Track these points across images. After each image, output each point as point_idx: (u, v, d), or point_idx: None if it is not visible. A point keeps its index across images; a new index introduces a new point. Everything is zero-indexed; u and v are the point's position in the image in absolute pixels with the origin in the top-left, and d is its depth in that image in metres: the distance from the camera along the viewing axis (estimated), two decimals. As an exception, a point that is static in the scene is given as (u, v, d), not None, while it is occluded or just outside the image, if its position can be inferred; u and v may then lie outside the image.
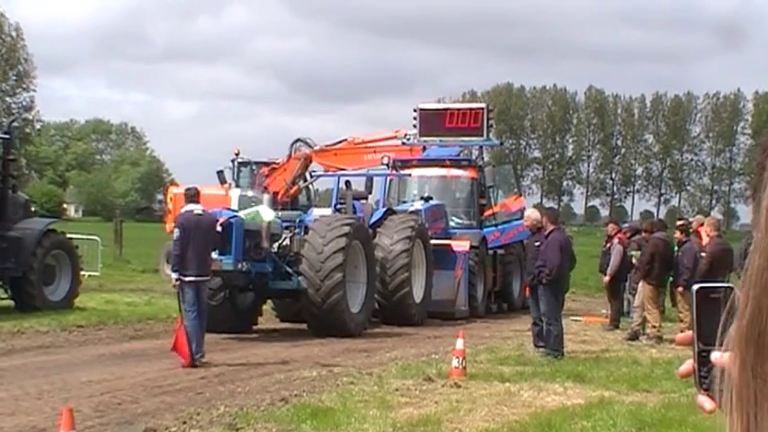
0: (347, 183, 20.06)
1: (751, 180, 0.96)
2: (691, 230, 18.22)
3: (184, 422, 9.07)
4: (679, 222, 19.84)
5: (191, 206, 13.49)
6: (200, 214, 13.38)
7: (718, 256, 16.14)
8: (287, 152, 22.96)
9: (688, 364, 0.98)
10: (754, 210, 0.92)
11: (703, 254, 16.53)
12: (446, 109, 25.18)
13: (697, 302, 1.01)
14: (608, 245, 20.16)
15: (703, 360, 1.01)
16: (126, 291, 23.84)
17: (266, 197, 16.64)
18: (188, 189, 14.04)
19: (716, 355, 0.97)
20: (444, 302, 20.32)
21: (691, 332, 1.01)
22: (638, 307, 17.45)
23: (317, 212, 19.01)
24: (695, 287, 1.02)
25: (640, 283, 17.34)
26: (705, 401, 0.93)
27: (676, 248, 17.19)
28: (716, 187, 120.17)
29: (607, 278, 19.56)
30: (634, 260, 18.80)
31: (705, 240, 17.30)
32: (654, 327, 16.84)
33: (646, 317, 17.22)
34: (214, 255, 15.24)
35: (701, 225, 18.88)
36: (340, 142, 23.46)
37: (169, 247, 25.09)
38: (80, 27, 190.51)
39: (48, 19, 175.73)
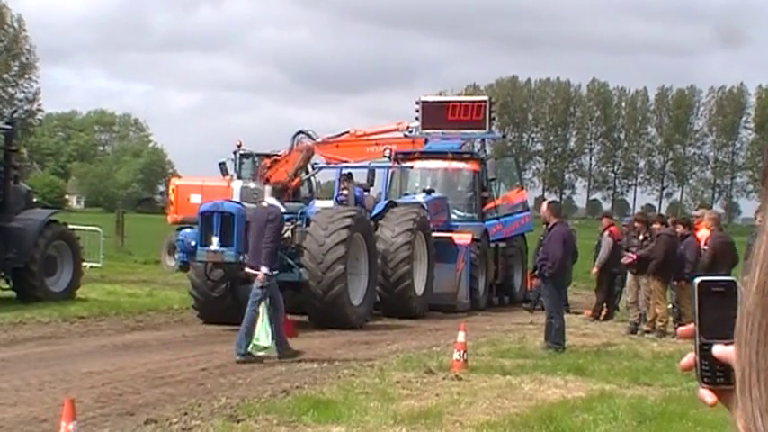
0: (349, 174, 20.04)
1: (761, 163, 0.96)
2: (693, 224, 18.21)
3: (185, 413, 9.08)
4: (673, 218, 20.00)
5: (267, 199, 13.74)
6: (264, 207, 13.55)
7: (720, 249, 16.12)
8: (289, 144, 22.95)
9: (690, 358, 0.97)
10: (764, 194, 0.91)
11: (705, 247, 16.52)
12: (448, 101, 25.14)
13: (699, 296, 1.01)
14: (601, 238, 20.31)
15: (705, 354, 1.00)
16: (127, 282, 23.87)
17: (268, 189, 16.60)
18: (275, 183, 14.43)
19: (717, 349, 0.96)
20: (446, 295, 20.31)
21: (692, 325, 1.00)
22: (633, 302, 17.49)
23: (318, 204, 19.00)
24: (697, 281, 1.02)
25: (642, 278, 17.34)
26: (706, 395, 0.92)
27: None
28: (718, 181, 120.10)
29: (595, 269, 19.87)
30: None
31: (706, 234, 17.27)
32: (661, 321, 16.85)
33: (646, 311, 17.25)
34: (215, 246, 15.27)
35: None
36: (342, 134, 23.44)
37: (171, 238, 25.14)
38: (80, 16, 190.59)
39: (48, 8, 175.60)
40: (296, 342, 14.87)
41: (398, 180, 23.13)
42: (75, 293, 19.11)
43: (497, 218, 23.45)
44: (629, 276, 17.84)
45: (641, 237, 17.37)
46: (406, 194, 22.31)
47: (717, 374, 0.98)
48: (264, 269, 12.67)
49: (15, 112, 57.45)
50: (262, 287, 12.61)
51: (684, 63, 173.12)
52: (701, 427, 8.73)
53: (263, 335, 12.42)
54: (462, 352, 12.19)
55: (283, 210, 13.73)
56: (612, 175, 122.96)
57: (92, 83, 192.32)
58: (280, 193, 14.13)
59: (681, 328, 1.01)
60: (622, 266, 19.05)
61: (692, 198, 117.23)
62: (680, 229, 17.72)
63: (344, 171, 20.17)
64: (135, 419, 8.81)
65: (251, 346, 12.42)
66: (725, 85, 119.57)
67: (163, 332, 15.67)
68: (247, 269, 13.22)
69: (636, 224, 18.44)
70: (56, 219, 19.45)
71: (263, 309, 12.50)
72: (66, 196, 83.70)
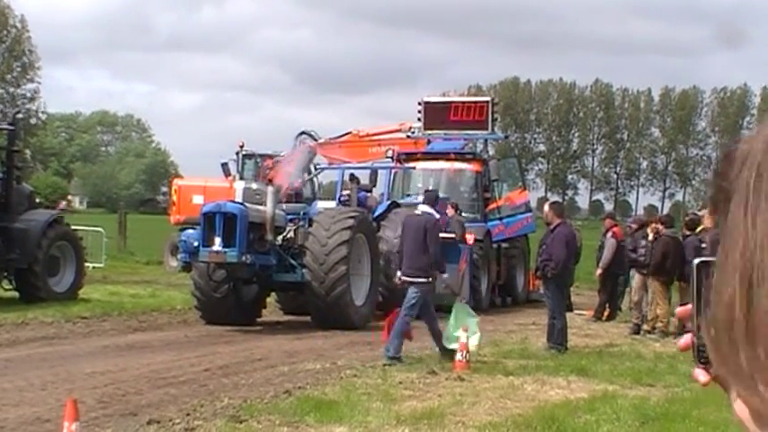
0: (352, 175, 20.03)
1: (709, 187, 0.96)
2: (699, 225, 18.17)
3: (188, 414, 9.09)
4: (686, 218, 19.88)
5: (421, 207, 13.82)
6: (418, 215, 13.55)
7: (716, 243, 16.02)
8: (291, 144, 22.96)
9: (687, 338, 0.98)
10: (721, 223, 0.93)
11: (704, 245, 16.46)
12: (451, 102, 25.14)
13: (697, 276, 1.01)
14: (604, 239, 20.31)
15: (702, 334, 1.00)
16: (130, 282, 23.89)
17: (270, 189, 16.62)
18: (430, 192, 14.57)
19: None
20: (448, 296, 20.28)
21: (690, 306, 1.01)
22: (637, 303, 17.48)
23: (321, 205, 19.00)
24: (696, 261, 1.02)
25: (642, 278, 17.33)
26: (700, 374, 0.94)
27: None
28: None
29: (599, 271, 19.87)
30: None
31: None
32: (662, 322, 16.83)
33: (647, 312, 17.24)
34: (217, 247, 15.28)
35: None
36: (344, 135, 23.45)
37: (173, 238, 25.17)
38: (82, 16, 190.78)
39: (50, 8, 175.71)
40: (298, 343, 14.90)
41: (401, 181, 23.12)
42: (77, 294, 19.13)
43: (500, 218, 23.45)
44: (638, 277, 17.80)
45: (641, 240, 17.41)
46: (409, 195, 22.30)
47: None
48: (445, 275, 12.90)
49: (18, 112, 57.55)
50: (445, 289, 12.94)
51: (688, 63, 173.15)
52: (703, 427, 8.73)
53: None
54: (465, 352, 12.20)
55: (437, 216, 13.74)
56: (615, 175, 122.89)
57: (94, 83, 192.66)
58: (433, 201, 14.13)
59: (679, 308, 1.02)
60: (626, 267, 19.07)
61: (695, 199, 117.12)
62: (683, 229, 17.73)
63: (350, 173, 20.18)
64: (137, 420, 8.82)
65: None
66: (728, 85, 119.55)
67: (165, 333, 15.68)
68: (404, 277, 13.11)
69: (633, 225, 18.58)
70: (58, 219, 19.48)
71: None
72: (69, 197, 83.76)
